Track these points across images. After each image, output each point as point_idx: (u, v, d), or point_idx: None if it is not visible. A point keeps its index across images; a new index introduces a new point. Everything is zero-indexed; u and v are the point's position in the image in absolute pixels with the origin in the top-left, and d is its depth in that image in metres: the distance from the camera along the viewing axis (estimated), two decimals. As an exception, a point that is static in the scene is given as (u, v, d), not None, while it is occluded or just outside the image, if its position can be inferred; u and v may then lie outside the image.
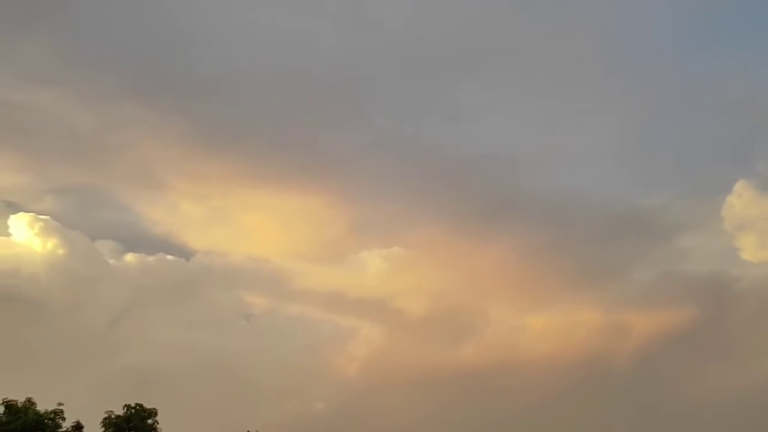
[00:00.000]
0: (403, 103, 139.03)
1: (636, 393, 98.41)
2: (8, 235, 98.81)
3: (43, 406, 43.15)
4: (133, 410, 45.21)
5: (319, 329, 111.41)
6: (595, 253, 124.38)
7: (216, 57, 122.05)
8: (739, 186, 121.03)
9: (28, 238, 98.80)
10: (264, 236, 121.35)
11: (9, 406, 42.46)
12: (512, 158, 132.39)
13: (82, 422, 44.40)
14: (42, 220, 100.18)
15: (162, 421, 45.94)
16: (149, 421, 45.28)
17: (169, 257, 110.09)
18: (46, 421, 42.56)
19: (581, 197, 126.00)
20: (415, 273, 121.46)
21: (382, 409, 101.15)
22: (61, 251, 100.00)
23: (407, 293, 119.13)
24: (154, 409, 45.99)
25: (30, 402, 42.97)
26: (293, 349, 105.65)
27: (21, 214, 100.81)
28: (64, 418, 43.57)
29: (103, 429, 44.44)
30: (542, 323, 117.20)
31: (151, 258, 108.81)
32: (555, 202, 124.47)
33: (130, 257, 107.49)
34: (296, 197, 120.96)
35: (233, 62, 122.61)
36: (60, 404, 43.65)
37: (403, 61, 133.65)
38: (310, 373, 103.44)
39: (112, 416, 44.64)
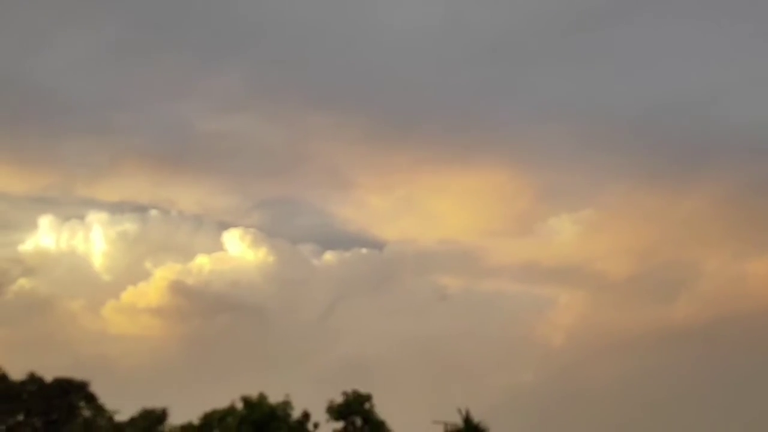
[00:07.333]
0: (569, 62, 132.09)
1: None
2: (224, 250, 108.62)
3: (273, 399, 48.00)
4: (350, 397, 48.88)
5: (517, 302, 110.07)
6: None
7: (383, 55, 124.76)
8: None
9: (241, 250, 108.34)
10: (451, 218, 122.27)
11: (246, 400, 47.86)
12: (700, 97, 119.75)
13: (308, 410, 48.65)
14: (250, 233, 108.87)
15: (377, 404, 49.25)
16: (366, 406, 48.61)
17: (364, 251, 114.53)
18: (278, 412, 47.31)
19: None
20: (610, 233, 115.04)
21: (594, 376, 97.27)
22: (270, 259, 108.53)
23: (605, 255, 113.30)
24: (369, 394, 49.34)
25: (263, 396, 48.04)
26: (493, 324, 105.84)
27: (231, 229, 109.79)
28: (293, 408, 48.31)
29: (328, 415, 48.57)
30: (767, 268, 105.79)
31: (347, 254, 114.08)
32: (760, 133, 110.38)
33: (329, 256, 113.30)
34: (478, 175, 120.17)
35: (399, 57, 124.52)
36: (287, 396, 48.52)
37: (560, 20, 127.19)
38: (514, 346, 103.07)
39: (334, 404, 48.58)
